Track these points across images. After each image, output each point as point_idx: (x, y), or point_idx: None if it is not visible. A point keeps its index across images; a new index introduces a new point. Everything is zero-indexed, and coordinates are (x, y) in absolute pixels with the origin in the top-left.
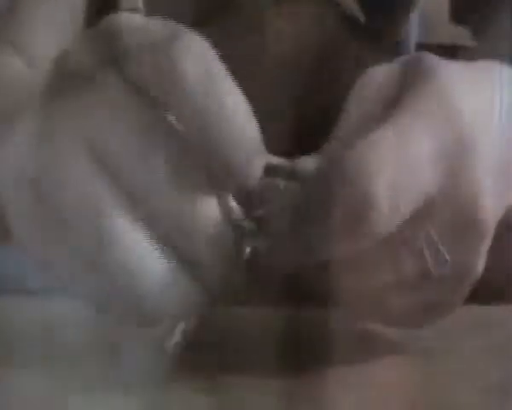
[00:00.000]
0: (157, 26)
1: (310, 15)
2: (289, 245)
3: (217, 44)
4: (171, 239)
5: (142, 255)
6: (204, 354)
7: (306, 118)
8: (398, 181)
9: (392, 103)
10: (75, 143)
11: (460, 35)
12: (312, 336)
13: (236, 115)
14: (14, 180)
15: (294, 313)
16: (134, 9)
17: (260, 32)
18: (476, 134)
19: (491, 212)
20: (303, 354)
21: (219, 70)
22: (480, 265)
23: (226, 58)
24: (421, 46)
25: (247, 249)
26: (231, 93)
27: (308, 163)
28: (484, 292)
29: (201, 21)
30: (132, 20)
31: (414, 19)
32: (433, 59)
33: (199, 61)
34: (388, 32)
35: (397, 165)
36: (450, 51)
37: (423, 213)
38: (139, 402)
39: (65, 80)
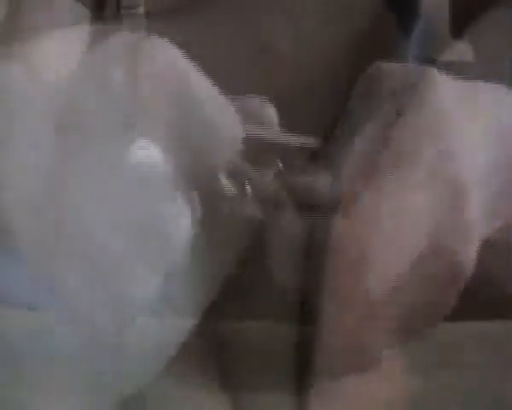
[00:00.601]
0: None
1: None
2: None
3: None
4: None
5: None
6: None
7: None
8: (389, 252)
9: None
10: (93, 185)
11: (460, 51)
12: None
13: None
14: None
15: (295, 327)
16: (135, 5)
17: (258, 29)
18: (471, 177)
19: (472, 260)
20: (302, 367)
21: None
22: (451, 305)
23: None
24: (421, 60)
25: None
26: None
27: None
28: (482, 308)
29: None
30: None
31: (415, 34)
32: (437, 82)
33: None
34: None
35: (388, 236)
36: (450, 67)
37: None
38: None
39: (79, 117)
